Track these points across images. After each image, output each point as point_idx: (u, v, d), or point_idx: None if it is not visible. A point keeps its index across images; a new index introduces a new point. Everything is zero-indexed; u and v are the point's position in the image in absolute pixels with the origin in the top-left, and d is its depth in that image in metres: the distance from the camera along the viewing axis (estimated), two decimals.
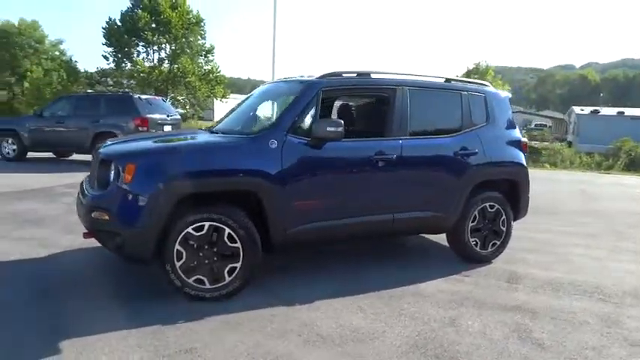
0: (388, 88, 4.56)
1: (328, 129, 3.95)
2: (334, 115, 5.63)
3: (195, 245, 3.70)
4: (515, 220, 5.29)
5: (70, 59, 34.63)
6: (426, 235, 5.77)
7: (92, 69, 32.64)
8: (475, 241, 4.93)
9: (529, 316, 3.78)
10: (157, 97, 12.86)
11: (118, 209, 3.60)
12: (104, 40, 30.35)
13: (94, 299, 3.78)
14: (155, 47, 31.25)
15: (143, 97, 11.64)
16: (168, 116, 11.72)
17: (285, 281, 4.32)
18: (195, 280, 3.73)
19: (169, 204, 3.56)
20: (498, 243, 5.05)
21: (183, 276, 3.70)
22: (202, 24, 31.77)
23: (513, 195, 5.13)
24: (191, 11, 31.37)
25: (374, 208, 4.38)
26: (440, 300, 4.03)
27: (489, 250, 5.02)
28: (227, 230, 3.73)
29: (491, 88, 5.22)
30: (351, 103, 5.49)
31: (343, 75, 4.48)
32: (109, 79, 31.48)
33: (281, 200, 3.90)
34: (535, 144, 30.38)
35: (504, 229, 5.05)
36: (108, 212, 3.63)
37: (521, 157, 5.11)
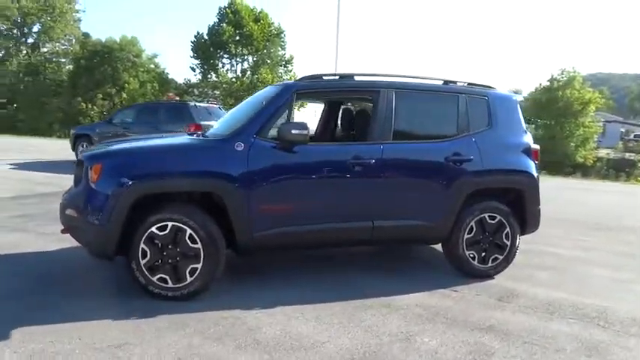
0: (371, 90, 4.41)
1: (293, 132, 3.89)
2: (339, 120, 5.57)
3: (159, 244, 3.80)
4: (523, 234, 4.86)
5: (163, 71, 37.17)
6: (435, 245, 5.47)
7: (181, 80, 34.79)
8: (472, 254, 4.58)
9: (499, 338, 3.44)
10: (214, 105, 13.44)
11: (84, 207, 3.80)
12: (192, 53, 32.26)
13: (71, 293, 3.98)
14: (238, 59, 32.65)
15: (199, 104, 12.24)
16: None
17: (258, 285, 4.29)
18: (158, 279, 3.82)
19: (128, 203, 3.69)
20: (501, 258, 4.65)
21: (147, 274, 3.80)
22: (282, 35, 32.73)
23: (519, 206, 4.71)
24: (272, 23, 32.43)
25: (350, 214, 4.23)
26: (410, 314, 3.80)
27: (489, 264, 4.64)
28: (188, 231, 3.79)
29: (496, 91, 4.85)
30: (350, 107, 5.37)
31: (324, 77, 4.39)
32: (195, 90, 33.33)
33: (246, 203, 3.89)
34: (630, 156, 27.70)
35: (508, 242, 4.64)
36: (77, 209, 3.84)
37: (529, 165, 4.68)
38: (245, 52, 31.92)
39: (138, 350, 3.09)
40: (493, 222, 4.59)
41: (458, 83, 4.75)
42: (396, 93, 4.40)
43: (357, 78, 4.46)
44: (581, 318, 3.86)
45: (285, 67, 33.48)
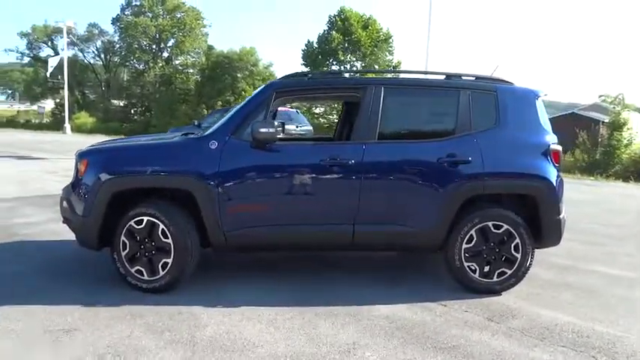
0: (357, 87, 4.18)
1: (261, 130, 3.83)
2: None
3: (137, 238, 3.98)
4: (540, 247, 4.26)
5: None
6: None
7: None
8: (472, 266, 4.12)
9: None
10: (289, 109, 13.72)
11: (72, 199, 4.11)
12: (302, 61, 33.34)
13: (64, 278, 4.32)
14: (346, 65, 33.02)
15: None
16: (297, 126, 12.43)
17: (236, 283, 4.28)
18: (136, 271, 3.99)
19: (107, 197, 3.91)
20: (509, 272, 4.11)
21: (127, 265, 3.99)
22: (390, 40, 32.44)
23: (533, 215, 4.14)
24: (381, 29, 32.31)
25: (328, 217, 4.04)
26: (372, 326, 3.52)
27: (495, 279, 4.12)
28: (161, 226, 3.91)
29: (509, 85, 4.31)
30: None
31: (309, 75, 4.26)
32: None
33: (217, 201, 3.92)
34: None
35: (518, 255, 4.09)
36: (68, 201, 4.16)
37: (545, 169, 4.08)
38: (353, 58, 32.18)
39: (81, 336, 3.25)
40: (498, 232, 4.08)
41: (463, 77, 4.31)
42: (386, 89, 4.12)
43: (346, 75, 4.26)
44: (576, 347, 3.27)
45: None
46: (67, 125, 29.90)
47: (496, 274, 4.12)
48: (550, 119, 4.51)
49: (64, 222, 4.36)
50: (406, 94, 4.23)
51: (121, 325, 3.44)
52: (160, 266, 3.95)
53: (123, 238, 3.97)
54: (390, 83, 4.19)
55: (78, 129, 33.94)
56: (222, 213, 3.93)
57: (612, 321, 3.73)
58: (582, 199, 10.51)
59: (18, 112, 51.37)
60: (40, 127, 39.19)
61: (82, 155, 4.16)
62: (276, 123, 5.72)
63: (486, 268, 4.13)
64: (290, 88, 4.23)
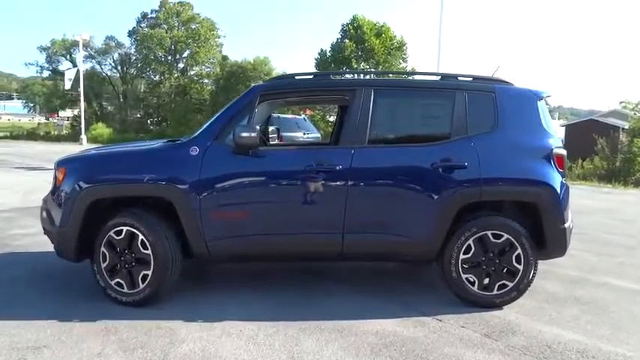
0: (345, 89, 3.99)
1: (242, 134, 3.64)
2: None
3: (117, 249, 3.81)
4: (544, 258, 4.00)
5: None
6: None
7: None
8: (470, 278, 3.86)
9: None
10: (297, 117, 13.57)
11: (49, 209, 3.97)
12: (315, 70, 33.23)
13: (47, 290, 4.18)
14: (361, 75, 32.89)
15: (284, 116, 12.44)
16: (304, 134, 12.26)
17: (222, 295, 4.08)
18: (116, 283, 3.83)
19: (84, 206, 3.76)
20: (510, 285, 3.84)
21: (107, 277, 3.83)
22: (404, 48, 32.21)
23: (535, 223, 3.88)
24: (395, 37, 32.11)
25: (315, 226, 3.83)
26: (359, 342, 3.29)
27: (495, 292, 3.86)
28: (140, 236, 3.75)
29: (509, 86, 4.07)
30: None
31: (296, 77, 4.08)
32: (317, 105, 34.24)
33: (198, 209, 3.74)
34: None
35: (520, 267, 3.82)
36: (47, 211, 4.02)
37: (548, 174, 3.82)
38: (366, 66, 32.00)
39: (48, 354, 3.09)
40: (498, 241, 3.82)
41: (459, 78, 4.08)
42: (376, 91, 3.91)
43: (333, 77, 4.07)
44: None
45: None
46: (83, 136, 30.16)
47: (496, 286, 3.86)
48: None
49: (44, 233, 4.23)
50: (398, 95, 4.02)
51: (93, 341, 3.26)
52: (139, 278, 3.78)
53: (103, 249, 3.82)
54: (381, 85, 3.98)
55: (95, 140, 34.30)
56: (203, 222, 3.75)
57: (621, 340, 3.43)
58: (596, 207, 10.10)
59: (38, 124, 52.28)
60: (58, 138, 39.73)
61: (60, 164, 4.03)
62: (271, 129, 5.59)
63: (486, 281, 3.87)
64: (275, 90, 4.05)
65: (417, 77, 4.19)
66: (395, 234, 3.81)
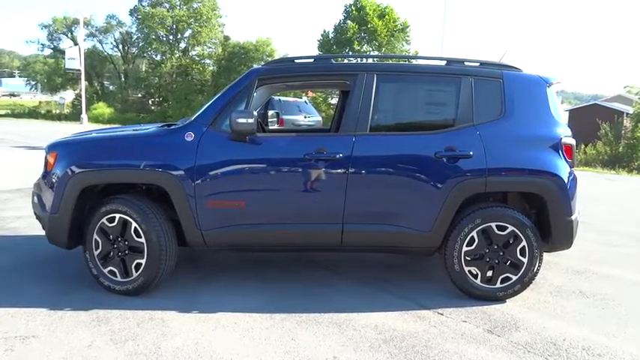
0: (346, 74, 3.82)
1: (238, 120, 3.50)
2: None
3: (110, 236, 3.71)
4: (550, 250, 3.89)
5: None
6: None
7: None
8: (474, 271, 3.75)
9: None
10: (298, 100, 13.37)
11: (40, 194, 3.85)
12: (318, 51, 32.82)
13: (39, 276, 4.09)
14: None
15: (285, 99, 12.26)
16: (305, 117, 12.10)
17: (219, 286, 3.99)
18: (109, 272, 3.73)
19: (76, 192, 3.64)
20: (514, 278, 3.73)
21: (99, 265, 3.74)
22: (407, 30, 31.74)
23: (541, 215, 3.75)
24: (398, 19, 31.63)
25: (313, 215, 3.71)
26: (358, 336, 3.19)
27: (498, 285, 3.75)
28: (133, 224, 3.63)
29: (517, 72, 3.90)
30: None
31: (295, 61, 3.92)
32: None
33: (193, 197, 3.62)
34: None
35: (525, 260, 3.71)
36: (38, 196, 3.91)
37: (554, 164, 3.68)
38: (369, 48, 31.61)
39: (37, 344, 3.00)
40: (502, 233, 3.70)
41: (466, 63, 3.91)
42: (379, 77, 3.76)
43: (334, 61, 3.91)
44: None
45: (409, 62, 32.47)
46: (84, 116, 30.01)
47: (500, 279, 3.75)
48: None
49: (36, 218, 4.11)
50: (402, 81, 3.86)
51: (84, 332, 3.17)
52: (133, 267, 3.68)
53: (95, 236, 3.72)
54: (384, 69, 3.82)
55: (95, 119, 34.08)
56: (199, 211, 3.63)
57: (629, 336, 3.33)
58: (601, 194, 9.97)
59: (40, 102, 52.03)
60: (59, 117, 39.51)
61: (51, 147, 3.90)
62: (270, 113, 5.43)
63: (489, 273, 3.76)
64: (274, 74, 3.89)
65: (421, 62, 4.00)
66: (396, 225, 3.69)
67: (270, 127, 5.21)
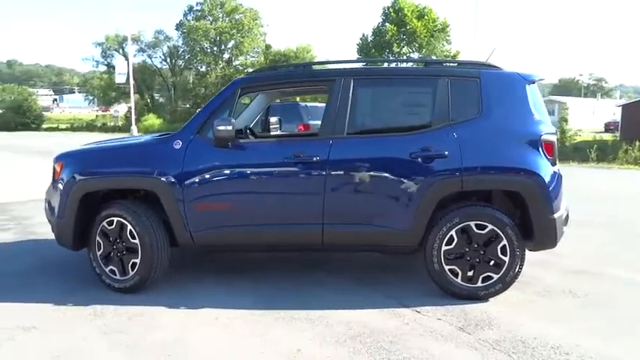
0: (325, 80, 3.97)
1: (218, 127, 3.72)
2: None
3: (110, 238, 4.01)
4: (533, 249, 3.87)
5: None
6: None
7: None
8: (454, 269, 3.79)
9: None
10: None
11: (49, 201, 4.21)
12: (357, 55, 32.98)
13: (55, 275, 4.45)
14: (402, 57, 32.32)
15: (311, 104, 12.48)
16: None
17: (208, 283, 4.23)
18: (110, 270, 4.03)
19: (78, 198, 3.97)
20: (495, 277, 3.74)
21: (102, 265, 4.05)
22: (448, 30, 31.36)
23: (522, 214, 3.75)
24: (437, 18, 31.32)
25: (295, 217, 3.87)
26: (328, 332, 3.31)
27: (479, 284, 3.77)
28: (128, 226, 3.92)
29: (495, 70, 3.92)
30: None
31: (277, 69, 4.10)
32: None
33: (181, 201, 3.86)
34: None
35: (506, 259, 3.72)
36: (48, 202, 4.28)
37: (533, 162, 3.67)
38: (409, 50, 31.46)
39: (36, 335, 3.32)
40: (482, 232, 3.72)
41: (444, 64, 3.96)
42: (356, 81, 3.88)
43: (315, 67, 4.06)
44: None
45: None
46: (134, 127, 31.46)
47: (481, 278, 3.77)
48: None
49: (49, 222, 4.48)
50: (378, 84, 3.97)
51: (81, 325, 3.47)
52: (129, 266, 3.96)
53: (98, 238, 4.03)
54: (361, 74, 3.93)
55: (146, 130, 35.66)
56: (187, 214, 3.87)
57: (608, 336, 3.27)
58: (624, 193, 9.56)
59: (97, 116, 55.01)
60: (113, 129, 41.60)
61: (58, 158, 4.27)
62: (273, 119, 5.64)
63: (470, 273, 3.79)
64: (256, 83, 4.10)
65: (403, 65, 4.08)
66: (375, 225, 3.79)
67: (272, 134, 5.40)
